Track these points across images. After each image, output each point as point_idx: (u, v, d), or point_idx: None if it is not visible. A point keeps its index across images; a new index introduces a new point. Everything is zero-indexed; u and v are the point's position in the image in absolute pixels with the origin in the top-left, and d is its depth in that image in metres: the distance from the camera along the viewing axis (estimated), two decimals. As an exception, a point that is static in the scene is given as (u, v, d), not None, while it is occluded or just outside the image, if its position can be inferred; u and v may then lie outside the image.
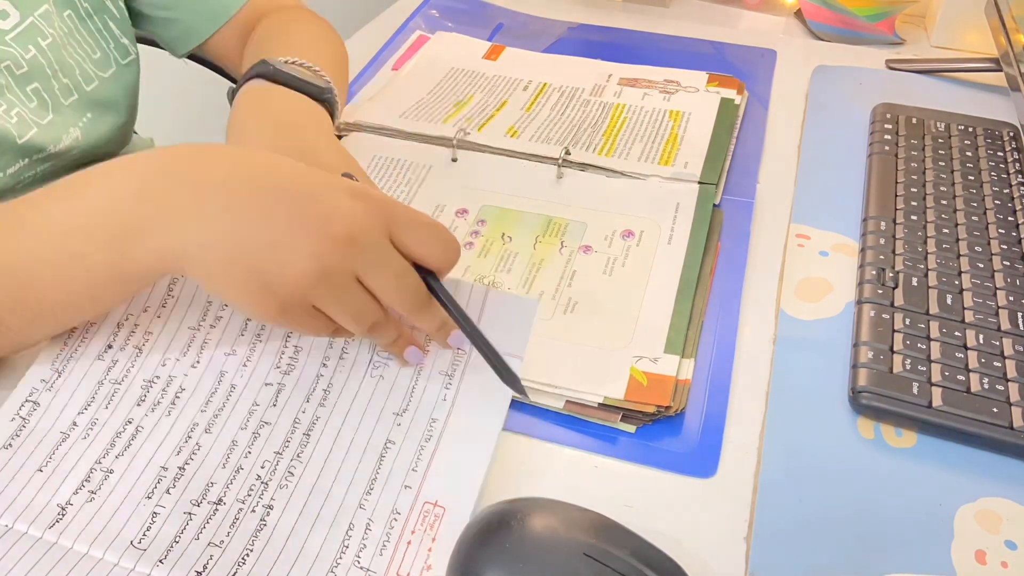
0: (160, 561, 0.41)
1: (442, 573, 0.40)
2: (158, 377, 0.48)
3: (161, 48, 0.79)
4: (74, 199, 0.42)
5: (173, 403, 0.47)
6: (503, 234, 0.63)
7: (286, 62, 0.59)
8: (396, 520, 0.43)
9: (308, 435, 0.46)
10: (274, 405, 0.47)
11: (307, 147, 0.52)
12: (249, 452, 0.45)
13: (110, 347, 0.49)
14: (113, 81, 0.70)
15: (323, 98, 0.59)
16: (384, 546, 0.42)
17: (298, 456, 0.45)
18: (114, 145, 0.73)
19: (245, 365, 0.49)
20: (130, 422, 0.47)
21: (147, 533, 0.42)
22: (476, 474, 0.44)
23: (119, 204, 0.41)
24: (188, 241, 0.40)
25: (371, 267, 0.40)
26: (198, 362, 0.49)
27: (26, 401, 0.47)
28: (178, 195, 0.40)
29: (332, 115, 0.61)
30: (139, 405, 0.47)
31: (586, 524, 0.39)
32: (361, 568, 0.41)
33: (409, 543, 0.42)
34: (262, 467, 0.45)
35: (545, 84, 0.81)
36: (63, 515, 0.43)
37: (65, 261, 0.42)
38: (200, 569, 0.41)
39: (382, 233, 0.40)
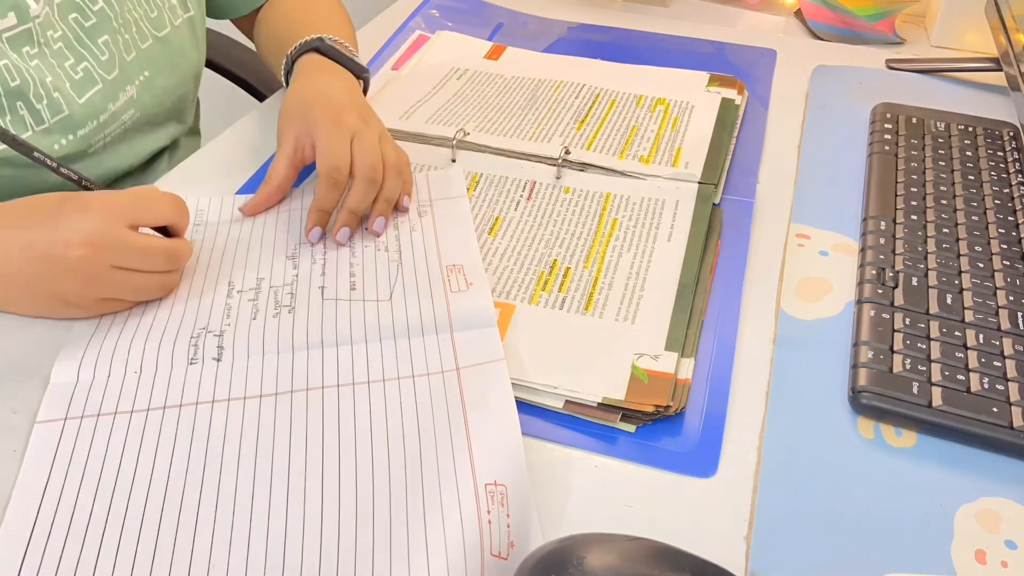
0: None
1: (525, 550, 0.41)
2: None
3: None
4: None
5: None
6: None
7: (333, 40, 0.72)
8: (466, 501, 0.43)
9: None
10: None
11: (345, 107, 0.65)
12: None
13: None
14: (165, 43, 0.73)
15: (361, 76, 0.73)
16: (468, 525, 0.42)
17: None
18: (167, 112, 0.76)
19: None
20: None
21: None
22: (516, 446, 0.46)
23: None
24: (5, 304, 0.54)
25: (117, 257, 0.50)
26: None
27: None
28: None
29: (365, 89, 0.74)
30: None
31: (643, 553, 0.38)
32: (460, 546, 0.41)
33: (490, 522, 0.42)
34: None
35: (559, 83, 0.82)
36: None
37: None
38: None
39: (115, 227, 0.49)
